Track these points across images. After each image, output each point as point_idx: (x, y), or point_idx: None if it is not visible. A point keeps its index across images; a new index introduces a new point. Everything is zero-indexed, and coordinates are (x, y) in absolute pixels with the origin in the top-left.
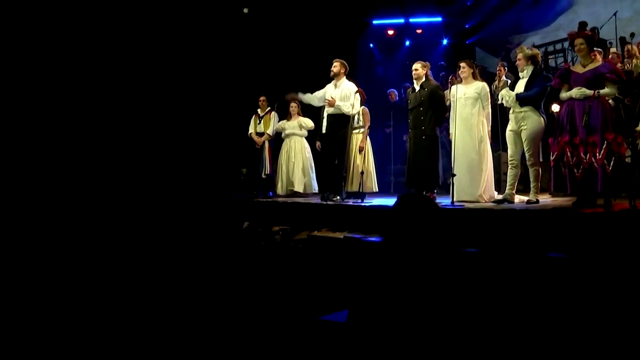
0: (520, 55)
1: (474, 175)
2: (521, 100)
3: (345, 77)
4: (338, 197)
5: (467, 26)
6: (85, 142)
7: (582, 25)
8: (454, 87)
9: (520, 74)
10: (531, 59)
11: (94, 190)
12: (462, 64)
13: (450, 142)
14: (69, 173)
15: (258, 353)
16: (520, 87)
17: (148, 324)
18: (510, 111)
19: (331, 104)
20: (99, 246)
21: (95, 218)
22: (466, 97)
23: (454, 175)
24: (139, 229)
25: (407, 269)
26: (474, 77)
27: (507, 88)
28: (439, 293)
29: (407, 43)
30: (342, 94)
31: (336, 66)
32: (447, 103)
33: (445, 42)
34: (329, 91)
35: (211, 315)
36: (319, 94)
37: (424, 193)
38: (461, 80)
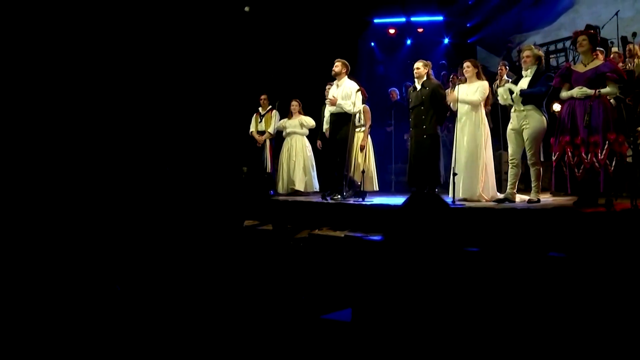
0: (529, 53)
1: (475, 174)
2: (525, 96)
3: (347, 76)
4: (339, 196)
5: (468, 25)
6: (87, 141)
7: (589, 27)
8: (457, 86)
9: (524, 73)
10: (538, 59)
11: (95, 190)
12: (467, 64)
13: (451, 141)
14: (70, 172)
15: (260, 352)
16: (522, 85)
17: (149, 323)
18: (512, 110)
19: (333, 102)
20: (99, 245)
21: (96, 217)
22: (468, 96)
23: (455, 174)
24: (140, 228)
25: (414, 267)
26: (478, 77)
27: (504, 86)
28: (443, 292)
29: (408, 42)
30: (344, 93)
31: (337, 66)
32: (448, 102)
33: (446, 41)
34: (331, 91)
35: (212, 314)
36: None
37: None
38: (465, 80)
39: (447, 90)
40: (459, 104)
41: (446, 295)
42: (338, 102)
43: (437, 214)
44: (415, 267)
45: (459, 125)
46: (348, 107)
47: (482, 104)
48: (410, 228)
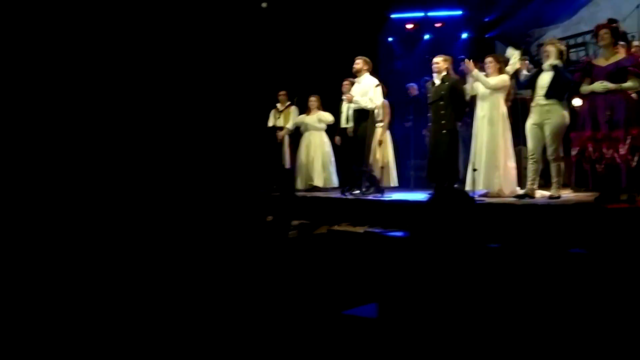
0: (551, 47)
1: (495, 169)
2: (556, 75)
3: (368, 73)
4: (358, 191)
5: (487, 19)
6: (100, 140)
7: (611, 21)
8: (476, 84)
9: (545, 67)
10: (560, 54)
11: (108, 189)
12: (489, 59)
13: (469, 136)
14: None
15: (281, 348)
16: (544, 80)
17: (168, 318)
18: (533, 104)
19: (349, 99)
20: (117, 243)
21: (113, 215)
22: (488, 90)
23: (475, 169)
24: (160, 225)
25: (440, 263)
26: (500, 72)
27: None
28: (467, 288)
29: (427, 37)
30: (363, 90)
31: (358, 63)
32: (467, 97)
33: (465, 35)
34: (353, 88)
35: (232, 310)
36: None
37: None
38: (487, 76)
39: (465, 86)
40: (479, 99)
41: (470, 291)
42: (355, 98)
43: (463, 210)
44: (441, 263)
45: (478, 121)
46: (364, 103)
47: (502, 99)
48: (438, 224)
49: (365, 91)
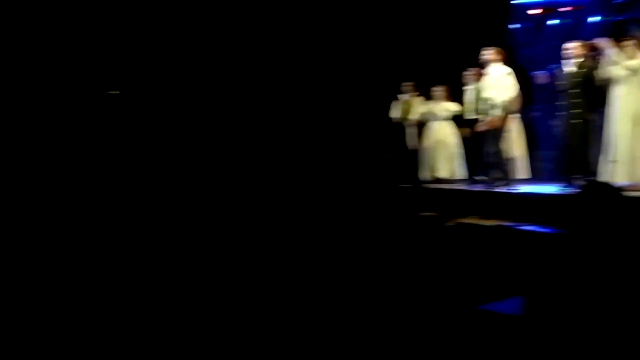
0: None
1: (637, 160)
2: None
3: (499, 63)
4: (484, 177)
5: (621, 1)
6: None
7: None
8: (613, 67)
9: None
10: None
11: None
12: (628, 42)
13: (601, 126)
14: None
15: (416, 340)
16: None
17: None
18: None
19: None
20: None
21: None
22: (627, 74)
23: (614, 161)
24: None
25: (601, 260)
26: None
27: None
28: (625, 286)
29: (555, 22)
30: (493, 80)
31: (489, 53)
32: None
33: (596, 19)
34: (483, 80)
35: (367, 301)
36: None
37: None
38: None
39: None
40: (618, 84)
41: (626, 289)
42: (486, 94)
43: (615, 205)
44: (602, 261)
45: (615, 107)
46: (496, 98)
47: None
48: (595, 220)
49: (496, 82)
